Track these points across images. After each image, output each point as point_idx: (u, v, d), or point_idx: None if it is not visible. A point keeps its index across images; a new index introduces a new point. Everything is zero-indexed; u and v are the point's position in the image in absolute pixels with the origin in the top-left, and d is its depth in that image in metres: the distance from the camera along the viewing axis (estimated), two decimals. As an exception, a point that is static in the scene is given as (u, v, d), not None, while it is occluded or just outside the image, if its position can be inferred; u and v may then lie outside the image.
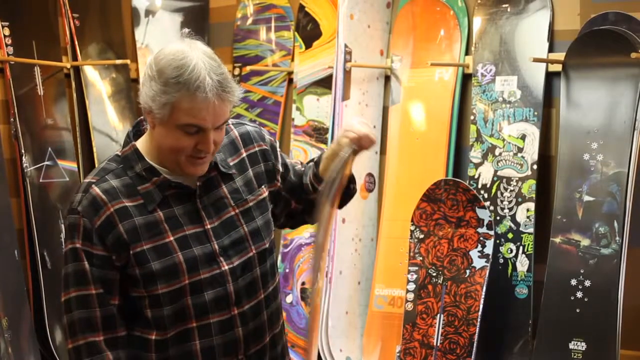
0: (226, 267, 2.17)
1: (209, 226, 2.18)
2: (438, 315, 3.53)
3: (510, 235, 3.65)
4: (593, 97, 3.50)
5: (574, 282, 3.43)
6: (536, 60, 3.60)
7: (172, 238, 2.13)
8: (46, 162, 3.99)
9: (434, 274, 3.57)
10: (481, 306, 3.44)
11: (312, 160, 2.43)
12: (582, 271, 3.43)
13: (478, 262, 3.50)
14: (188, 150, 2.08)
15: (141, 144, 2.19)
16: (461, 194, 3.53)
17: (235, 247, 2.20)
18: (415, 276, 3.61)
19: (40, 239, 3.86)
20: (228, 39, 4.54)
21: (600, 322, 3.36)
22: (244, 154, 2.32)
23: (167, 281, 2.11)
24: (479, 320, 3.44)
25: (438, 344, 3.51)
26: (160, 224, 2.13)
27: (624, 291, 3.34)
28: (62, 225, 3.97)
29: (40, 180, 3.95)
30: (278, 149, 2.42)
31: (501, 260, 3.64)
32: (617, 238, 3.37)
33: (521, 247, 3.62)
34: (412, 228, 3.62)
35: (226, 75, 2.11)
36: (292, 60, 4.32)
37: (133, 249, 2.09)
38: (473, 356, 3.43)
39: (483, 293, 3.45)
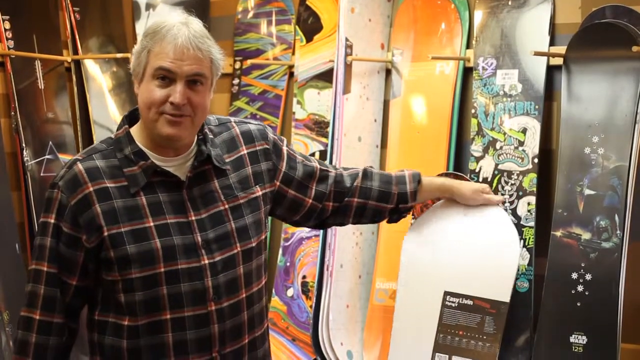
0: (206, 261, 2.17)
1: (193, 217, 2.19)
2: None
3: (511, 229, 3.65)
4: (594, 90, 3.50)
5: (574, 275, 3.43)
6: (537, 53, 3.60)
7: (152, 224, 2.14)
8: (47, 156, 3.99)
9: None
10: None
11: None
12: (582, 265, 3.43)
13: None
14: (160, 102, 2.10)
15: (135, 128, 2.21)
16: None
17: (220, 241, 2.20)
18: None
19: (41, 233, 3.86)
20: (229, 32, 4.54)
21: (601, 315, 3.36)
22: (243, 152, 2.33)
23: (142, 266, 2.11)
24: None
25: None
26: (142, 208, 2.13)
27: (625, 285, 3.34)
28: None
29: (41, 174, 3.95)
30: (285, 149, 2.43)
31: (502, 254, 3.64)
32: (618, 232, 3.37)
33: (522, 241, 3.62)
34: (413, 221, 3.61)
35: (205, 36, 2.17)
36: (293, 53, 4.31)
37: (108, 230, 2.10)
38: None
39: None
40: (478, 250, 2.40)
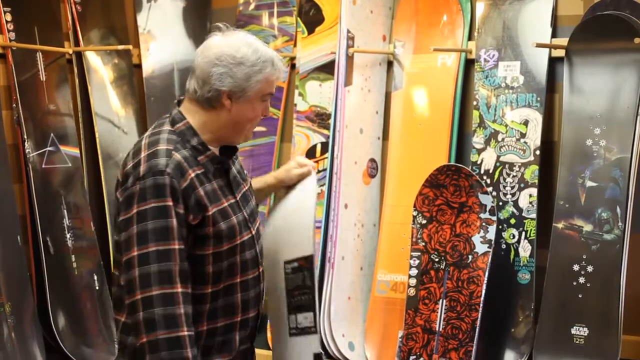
0: (253, 233, 2.52)
1: (238, 197, 2.52)
2: (440, 300, 3.54)
3: (512, 221, 3.65)
4: (596, 82, 3.50)
5: (576, 267, 3.44)
6: (539, 45, 3.60)
7: (226, 204, 2.45)
8: (48, 148, 3.99)
9: (437, 260, 3.57)
10: (483, 291, 3.44)
11: None
12: (584, 257, 3.43)
13: (480, 248, 3.50)
14: (259, 118, 2.51)
15: (193, 122, 2.46)
16: (464, 180, 3.53)
17: (251, 216, 2.55)
18: (417, 262, 3.61)
19: (42, 225, 3.87)
20: (230, 24, 4.47)
21: (602, 307, 3.37)
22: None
23: (229, 240, 2.42)
24: (481, 305, 3.44)
25: (440, 329, 3.52)
26: (218, 190, 2.44)
27: (626, 276, 3.34)
28: (65, 211, 3.98)
29: (43, 166, 3.95)
30: None
31: (503, 246, 3.65)
32: (620, 224, 3.37)
33: (524, 233, 3.62)
34: (415, 213, 3.62)
35: None
36: (295, 45, 4.31)
37: (209, 210, 2.37)
38: (475, 341, 3.43)
39: (485, 278, 3.45)
40: (290, 217, 2.68)
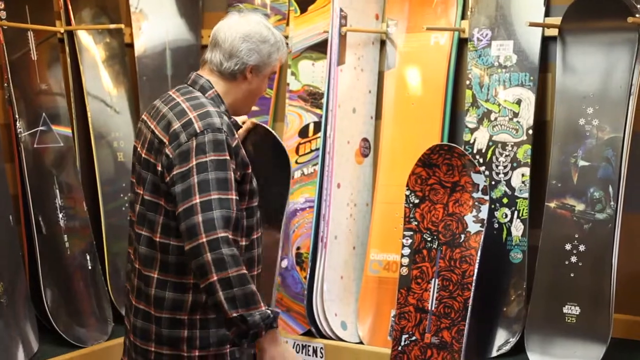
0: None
1: None
2: (433, 279, 3.54)
3: (505, 200, 3.65)
4: (589, 61, 3.50)
5: (568, 246, 3.45)
6: (532, 24, 3.59)
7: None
8: (40, 127, 3.97)
9: (429, 239, 3.57)
10: (476, 271, 3.45)
11: None
12: (576, 236, 3.44)
13: (473, 227, 3.50)
14: (262, 93, 2.77)
15: (218, 90, 2.66)
16: (456, 159, 3.53)
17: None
18: (410, 241, 3.61)
19: (35, 205, 3.86)
20: (223, 3, 4.52)
21: (594, 286, 3.38)
22: None
23: (254, 197, 2.63)
24: (473, 284, 3.45)
25: (433, 308, 3.53)
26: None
27: (618, 256, 3.35)
28: (57, 190, 3.97)
29: (35, 146, 3.94)
30: None
31: (496, 225, 3.65)
32: (612, 203, 3.38)
33: (516, 212, 3.63)
34: (408, 193, 3.62)
35: None
36: (287, 24, 4.29)
37: (249, 168, 2.58)
38: (467, 320, 3.44)
39: (478, 258, 3.46)
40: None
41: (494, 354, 3.58)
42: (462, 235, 3.51)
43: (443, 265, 3.53)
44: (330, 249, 3.91)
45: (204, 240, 2.38)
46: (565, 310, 3.43)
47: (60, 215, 3.96)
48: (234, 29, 2.65)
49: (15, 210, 3.86)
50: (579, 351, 3.35)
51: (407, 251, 3.61)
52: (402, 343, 3.56)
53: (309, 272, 3.90)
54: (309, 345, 3.88)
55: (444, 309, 3.50)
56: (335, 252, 3.94)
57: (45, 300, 3.79)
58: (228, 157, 2.48)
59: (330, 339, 3.88)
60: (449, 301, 3.49)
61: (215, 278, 2.37)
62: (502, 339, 3.59)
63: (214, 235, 2.39)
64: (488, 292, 3.60)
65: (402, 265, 3.62)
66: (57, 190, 3.97)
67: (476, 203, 3.50)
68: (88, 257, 4.01)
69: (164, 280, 2.55)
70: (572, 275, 3.43)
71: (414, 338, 3.54)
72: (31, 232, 3.85)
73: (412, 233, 3.61)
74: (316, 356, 3.87)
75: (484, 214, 3.49)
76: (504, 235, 3.64)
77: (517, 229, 3.62)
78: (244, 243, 2.61)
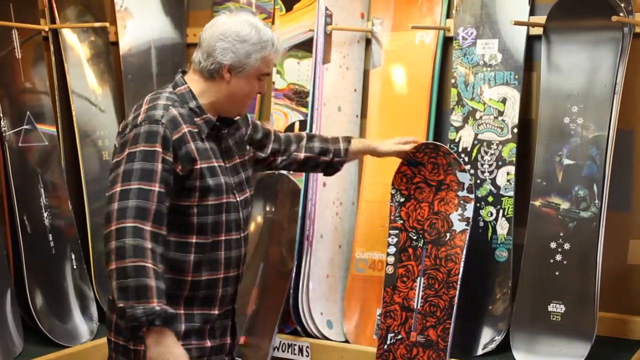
0: (238, 199, 2.73)
1: (227, 165, 2.73)
2: (418, 278, 3.54)
3: (490, 199, 3.66)
4: (574, 60, 3.51)
5: (553, 245, 3.45)
6: (517, 23, 3.59)
7: (215, 164, 2.66)
8: (25, 126, 3.96)
9: (415, 238, 3.57)
10: (461, 269, 3.45)
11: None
12: (561, 234, 3.45)
13: (458, 226, 3.50)
14: (254, 94, 2.76)
15: (194, 88, 2.69)
16: (442, 158, 3.53)
17: (239, 186, 2.76)
18: (395, 239, 3.61)
19: (19, 204, 3.85)
20: (208, 2, 4.51)
21: (579, 284, 3.39)
22: (236, 118, 2.86)
23: (216, 196, 2.63)
24: (459, 283, 3.45)
25: (418, 307, 3.53)
26: (209, 150, 2.66)
27: (603, 254, 3.36)
28: (42, 189, 3.95)
29: (19, 145, 3.92)
30: (250, 116, 3.08)
31: (481, 224, 3.66)
32: (597, 201, 3.39)
33: (501, 211, 3.64)
34: (393, 192, 3.62)
35: None
36: (273, 23, 4.29)
37: (199, 164, 2.59)
38: (453, 319, 3.44)
39: (463, 256, 3.46)
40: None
41: (480, 352, 3.59)
42: (448, 234, 3.51)
43: (428, 264, 3.53)
44: (316, 248, 3.91)
45: (113, 228, 2.43)
46: (550, 308, 3.43)
47: (45, 215, 3.95)
48: (214, 28, 2.67)
49: (-1, 209, 3.85)
50: (564, 349, 3.36)
51: (392, 250, 3.61)
52: (388, 342, 3.57)
53: (294, 271, 3.90)
54: (295, 344, 3.88)
55: (430, 307, 3.50)
56: (321, 251, 3.94)
57: (30, 299, 3.78)
58: (159, 149, 2.51)
59: (316, 337, 3.88)
60: (434, 300, 3.49)
61: (114, 266, 2.40)
62: (487, 337, 3.60)
63: (123, 224, 2.43)
64: (473, 290, 3.61)
65: (387, 264, 3.62)
66: (42, 189, 3.96)
67: (461, 202, 3.50)
68: (73, 256, 4.00)
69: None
70: (557, 273, 3.44)
71: (399, 337, 3.54)
72: (16, 231, 3.84)
73: (397, 232, 3.61)
74: (302, 355, 3.87)
75: (469, 213, 3.49)
76: (489, 234, 3.65)
77: (503, 228, 3.62)
78: (194, 240, 2.63)
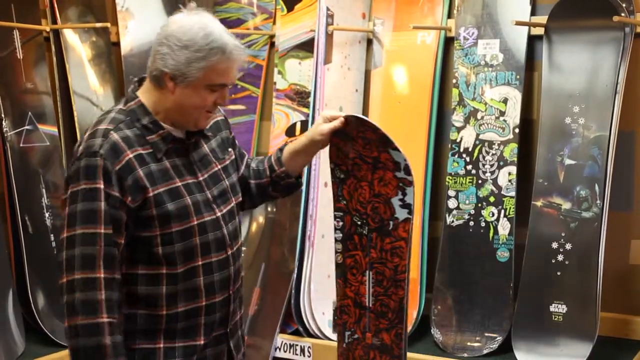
0: (219, 214, 2.45)
1: (201, 178, 2.44)
2: (367, 271, 3.01)
3: (492, 199, 3.66)
4: (575, 60, 3.51)
5: (555, 245, 3.45)
6: (518, 23, 3.59)
7: (180, 184, 2.38)
8: (26, 127, 3.96)
9: (359, 223, 3.01)
10: (408, 266, 2.95)
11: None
12: (563, 234, 3.45)
13: (400, 213, 2.94)
14: (209, 106, 2.38)
15: (145, 101, 2.41)
16: (370, 132, 2.96)
17: (221, 197, 2.48)
18: (341, 223, 3.06)
19: (21, 204, 3.85)
20: (209, 1, 4.51)
21: (580, 284, 3.39)
22: (216, 118, 2.61)
23: (180, 221, 2.35)
24: (406, 282, 2.95)
25: (370, 305, 3.02)
26: (169, 170, 2.37)
27: (604, 254, 3.36)
28: (43, 189, 3.96)
29: (21, 145, 3.93)
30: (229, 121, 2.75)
31: (483, 224, 3.66)
32: (598, 201, 3.39)
33: (503, 211, 3.64)
34: (332, 166, 3.05)
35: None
36: (274, 23, 4.29)
37: (152, 191, 2.31)
38: (404, 324, 2.97)
39: (408, 251, 2.96)
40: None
41: (482, 352, 3.58)
42: (391, 222, 2.95)
43: (375, 256, 3.00)
44: (317, 248, 3.91)
45: (64, 280, 2.28)
46: (552, 308, 3.43)
47: (47, 215, 3.95)
48: (163, 29, 2.37)
49: (1, 210, 3.85)
50: (565, 349, 3.36)
51: (339, 235, 3.08)
52: (346, 340, 3.06)
53: (296, 271, 3.90)
54: (297, 344, 3.88)
55: (381, 307, 2.99)
56: (322, 251, 3.94)
57: (32, 299, 3.78)
58: (100, 185, 2.26)
59: (318, 338, 3.88)
60: (384, 299, 2.99)
61: (66, 324, 2.28)
62: (489, 337, 3.59)
63: (72, 276, 2.27)
64: (475, 290, 3.61)
65: (336, 252, 3.09)
66: (44, 190, 3.96)
67: (400, 184, 2.93)
68: (74, 257, 4.00)
69: None
70: (558, 273, 3.44)
71: (356, 336, 3.06)
72: (17, 232, 3.84)
73: (342, 214, 3.05)
74: (304, 355, 3.87)
75: (410, 199, 2.93)
76: (491, 234, 3.64)
77: (504, 228, 3.62)
78: (164, 272, 2.37)
